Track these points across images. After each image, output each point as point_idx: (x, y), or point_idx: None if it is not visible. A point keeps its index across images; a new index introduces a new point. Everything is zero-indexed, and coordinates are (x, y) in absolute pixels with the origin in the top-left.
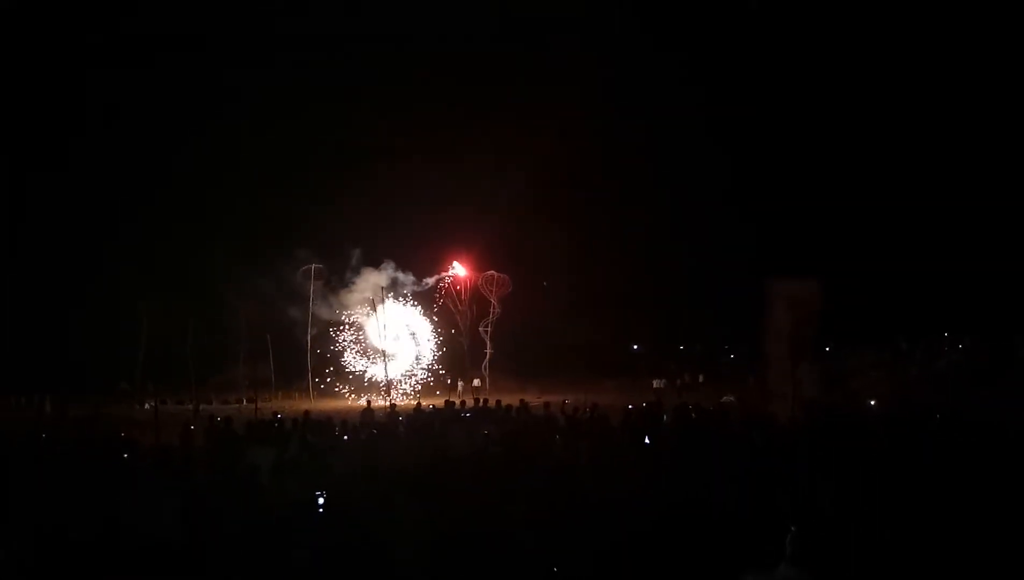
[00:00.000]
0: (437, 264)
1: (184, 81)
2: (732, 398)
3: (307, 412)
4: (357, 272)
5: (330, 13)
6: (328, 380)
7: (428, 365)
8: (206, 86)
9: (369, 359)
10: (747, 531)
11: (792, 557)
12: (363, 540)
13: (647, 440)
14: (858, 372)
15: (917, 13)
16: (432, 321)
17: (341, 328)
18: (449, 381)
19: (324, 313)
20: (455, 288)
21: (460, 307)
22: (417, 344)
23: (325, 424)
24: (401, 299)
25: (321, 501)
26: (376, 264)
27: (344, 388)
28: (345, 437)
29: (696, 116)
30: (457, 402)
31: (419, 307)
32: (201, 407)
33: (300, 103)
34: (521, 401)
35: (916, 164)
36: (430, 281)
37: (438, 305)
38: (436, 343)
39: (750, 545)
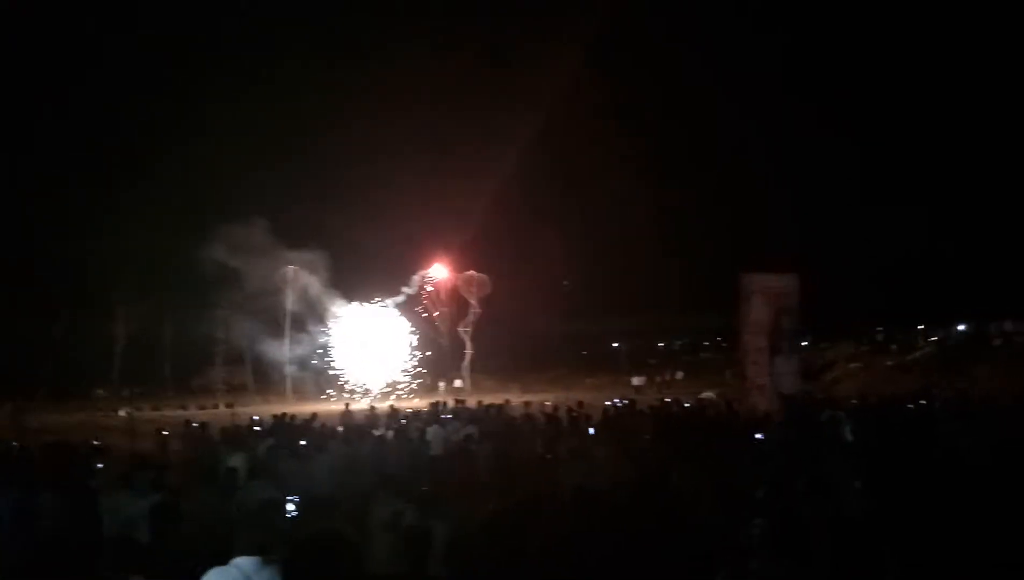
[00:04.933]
0: (417, 265)
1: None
2: (711, 394)
3: (282, 415)
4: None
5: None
6: (312, 381)
7: (408, 367)
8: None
9: (348, 362)
10: (720, 525)
11: (762, 550)
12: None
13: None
14: (835, 365)
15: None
16: (412, 323)
17: (319, 332)
18: (430, 382)
19: (302, 316)
20: (435, 293)
21: (440, 308)
22: (396, 347)
23: (303, 427)
24: (379, 301)
25: (291, 507)
26: (358, 269)
27: (324, 391)
28: (321, 443)
29: (673, 111)
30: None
31: (398, 310)
32: (177, 413)
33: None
34: (507, 401)
35: (888, 158)
36: (408, 291)
37: (420, 308)
38: (416, 345)
39: (723, 539)
